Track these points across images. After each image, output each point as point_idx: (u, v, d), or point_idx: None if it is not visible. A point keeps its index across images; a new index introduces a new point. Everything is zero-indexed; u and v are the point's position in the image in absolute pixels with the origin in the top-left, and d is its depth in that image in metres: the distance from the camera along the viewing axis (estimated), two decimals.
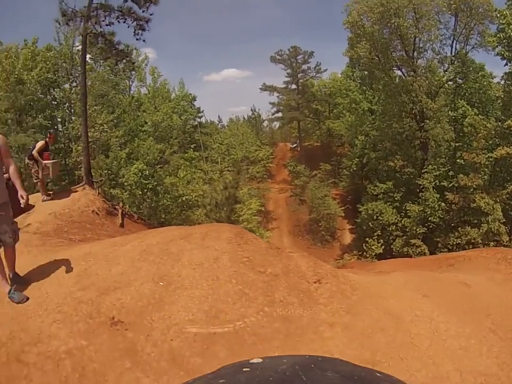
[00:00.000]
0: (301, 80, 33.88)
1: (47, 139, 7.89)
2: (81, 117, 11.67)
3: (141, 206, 19.63)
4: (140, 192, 19.54)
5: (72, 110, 21.37)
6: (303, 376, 0.49)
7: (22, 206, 3.47)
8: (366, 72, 26.54)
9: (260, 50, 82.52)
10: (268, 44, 79.91)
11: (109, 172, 19.31)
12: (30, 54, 19.39)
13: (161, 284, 2.98)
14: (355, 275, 4.12)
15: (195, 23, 78.62)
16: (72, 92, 20.78)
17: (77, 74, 20.03)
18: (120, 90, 25.04)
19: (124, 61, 11.64)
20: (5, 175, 3.62)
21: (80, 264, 3.67)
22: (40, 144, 7.46)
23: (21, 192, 3.52)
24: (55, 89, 21.00)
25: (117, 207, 9.26)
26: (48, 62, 19.87)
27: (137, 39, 10.25)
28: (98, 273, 3.40)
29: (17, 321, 3.09)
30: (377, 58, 21.22)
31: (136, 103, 25.10)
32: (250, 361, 0.56)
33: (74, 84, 20.89)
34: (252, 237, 3.74)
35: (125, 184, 19.15)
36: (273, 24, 73.12)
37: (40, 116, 19.45)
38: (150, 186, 19.76)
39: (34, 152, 7.21)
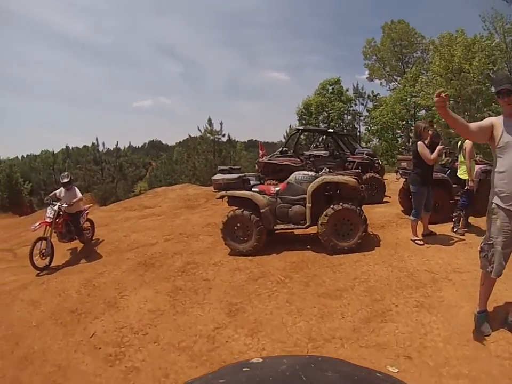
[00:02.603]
0: None
1: None
2: None
3: None
4: None
5: None
6: (303, 376, 0.49)
7: None
8: None
9: None
10: None
11: None
12: (464, 43, 18.16)
13: None
14: None
15: None
16: None
17: None
18: None
19: None
20: None
21: None
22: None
23: None
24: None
25: None
26: (485, 52, 18.23)
27: None
28: None
29: None
30: None
31: None
32: (250, 361, 0.55)
33: None
34: None
35: None
36: None
37: (485, 110, 17.42)
38: None
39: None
